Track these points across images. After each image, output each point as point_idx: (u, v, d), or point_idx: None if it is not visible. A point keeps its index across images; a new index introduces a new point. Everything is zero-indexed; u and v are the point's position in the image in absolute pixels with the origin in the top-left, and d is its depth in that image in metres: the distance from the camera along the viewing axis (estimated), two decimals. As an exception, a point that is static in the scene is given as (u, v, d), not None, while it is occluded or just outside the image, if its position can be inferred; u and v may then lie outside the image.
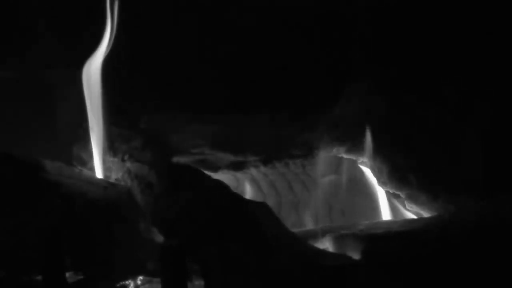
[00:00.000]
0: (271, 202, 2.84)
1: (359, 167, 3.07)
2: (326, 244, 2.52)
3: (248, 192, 3.08)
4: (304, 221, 3.04)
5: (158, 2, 3.07)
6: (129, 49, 3.04)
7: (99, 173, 2.92)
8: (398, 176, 2.88)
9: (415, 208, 2.88)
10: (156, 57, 3.04)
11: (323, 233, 2.58)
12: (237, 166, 3.03)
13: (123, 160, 2.78)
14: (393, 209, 2.97)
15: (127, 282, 2.54)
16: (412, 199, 2.86)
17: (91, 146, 2.94)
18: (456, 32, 2.90)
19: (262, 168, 3.05)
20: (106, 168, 2.94)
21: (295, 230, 2.62)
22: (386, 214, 2.96)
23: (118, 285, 2.53)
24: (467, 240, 2.33)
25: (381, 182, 2.93)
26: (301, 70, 3.02)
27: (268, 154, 3.03)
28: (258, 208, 2.44)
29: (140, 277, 2.57)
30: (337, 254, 2.42)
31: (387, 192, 2.96)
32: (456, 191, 2.77)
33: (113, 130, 2.97)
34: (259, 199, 2.93)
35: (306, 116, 3.02)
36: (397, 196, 2.93)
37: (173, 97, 3.06)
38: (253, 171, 3.05)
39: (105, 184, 2.74)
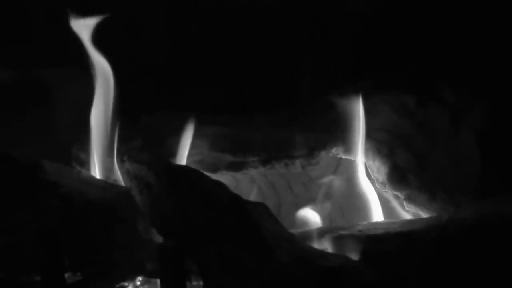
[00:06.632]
0: (270, 203, 2.84)
1: (359, 168, 3.06)
2: (325, 245, 2.52)
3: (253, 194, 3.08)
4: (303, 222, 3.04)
5: (156, 4, 3.08)
6: (129, 49, 3.04)
7: (98, 174, 2.92)
8: (397, 177, 2.88)
9: (413, 208, 2.87)
10: (155, 57, 3.04)
11: (322, 233, 2.58)
12: (236, 167, 3.03)
13: (122, 161, 2.78)
14: (391, 210, 2.97)
15: (126, 283, 2.55)
16: (411, 199, 2.86)
17: (91, 147, 2.94)
18: (456, 32, 2.90)
19: (262, 169, 3.05)
20: (105, 169, 2.94)
21: (294, 230, 2.62)
22: (385, 214, 2.96)
23: (117, 285, 2.53)
24: (466, 240, 2.32)
25: (380, 183, 2.94)
26: (301, 70, 3.02)
27: (268, 155, 3.02)
28: (257, 209, 2.43)
29: (139, 278, 2.57)
30: (336, 255, 2.42)
31: (386, 193, 2.96)
32: (455, 191, 2.77)
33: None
34: (258, 199, 2.93)
35: (306, 116, 3.02)
36: (396, 197, 2.93)
37: (173, 97, 3.06)
38: (252, 171, 3.05)
39: (104, 185, 2.74)
